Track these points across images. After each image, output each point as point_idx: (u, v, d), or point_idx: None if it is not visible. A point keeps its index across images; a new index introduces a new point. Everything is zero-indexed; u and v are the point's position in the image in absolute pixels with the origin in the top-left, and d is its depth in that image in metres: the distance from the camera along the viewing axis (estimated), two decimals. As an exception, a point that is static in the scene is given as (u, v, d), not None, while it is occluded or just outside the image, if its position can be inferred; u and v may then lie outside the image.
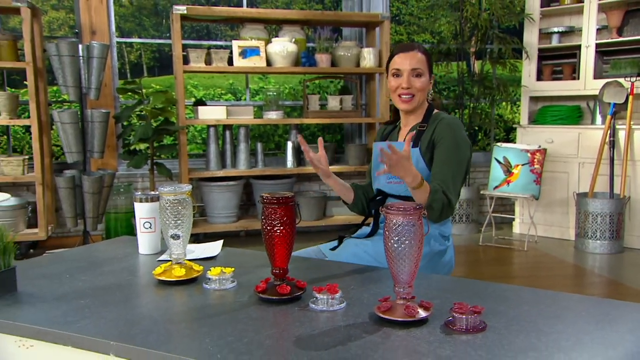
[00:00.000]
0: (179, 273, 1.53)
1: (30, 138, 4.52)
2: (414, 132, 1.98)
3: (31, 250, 4.76)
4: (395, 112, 2.20)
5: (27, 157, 4.63)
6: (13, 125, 5.37)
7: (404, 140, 1.99)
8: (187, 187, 1.55)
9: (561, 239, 5.17)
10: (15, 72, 5.07)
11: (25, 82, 4.45)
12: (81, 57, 4.37)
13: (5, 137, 6.50)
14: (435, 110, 2.08)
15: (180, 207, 1.52)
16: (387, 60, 2.10)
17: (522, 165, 4.93)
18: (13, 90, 5.20)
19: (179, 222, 1.52)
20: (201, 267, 1.60)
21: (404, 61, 1.98)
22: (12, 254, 1.46)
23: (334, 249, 2.02)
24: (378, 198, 2.07)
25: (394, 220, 1.27)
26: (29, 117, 4.44)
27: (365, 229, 2.13)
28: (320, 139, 1.97)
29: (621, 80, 4.77)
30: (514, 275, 4.22)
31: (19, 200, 4.60)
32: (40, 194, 4.47)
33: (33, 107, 4.39)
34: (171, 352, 1.12)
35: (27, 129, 6.06)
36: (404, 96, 2.00)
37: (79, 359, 1.23)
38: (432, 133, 1.99)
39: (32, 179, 4.51)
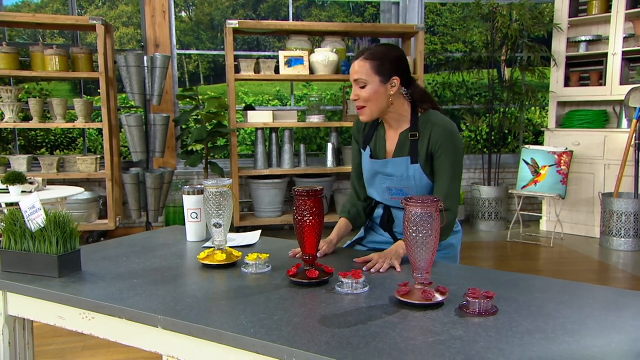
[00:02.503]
0: (220, 257, 1.56)
1: (102, 139, 4.70)
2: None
3: (102, 239, 4.95)
4: None
5: (99, 156, 4.83)
6: (88, 128, 5.59)
7: (394, 151, 1.80)
8: (228, 181, 1.58)
9: (586, 236, 5.00)
10: (90, 81, 5.28)
11: (98, 90, 4.64)
12: (146, 67, 4.51)
13: (81, 138, 6.78)
14: (420, 111, 1.77)
15: (221, 199, 1.55)
16: None
17: (549, 166, 4.79)
18: (88, 97, 5.42)
19: (220, 212, 1.55)
20: (240, 253, 1.64)
21: (351, 72, 1.72)
22: (77, 238, 1.53)
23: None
24: (379, 204, 1.91)
25: (413, 211, 1.27)
26: (101, 120, 4.62)
27: (378, 237, 1.95)
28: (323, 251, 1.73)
29: (647, 85, 4.58)
30: (540, 270, 4.10)
31: (92, 194, 4.80)
32: (110, 189, 4.65)
33: (105, 112, 4.57)
34: (210, 326, 1.15)
35: (100, 131, 6.30)
36: (359, 108, 1.74)
37: (131, 330, 1.28)
38: (428, 142, 1.73)
39: (103, 176, 4.69)
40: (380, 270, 1.55)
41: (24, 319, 1.52)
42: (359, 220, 1.93)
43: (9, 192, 3.27)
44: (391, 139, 1.82)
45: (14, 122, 4.57)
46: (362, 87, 1.69)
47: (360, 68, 1.68)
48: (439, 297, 1.27)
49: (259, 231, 1.94)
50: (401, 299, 1.27)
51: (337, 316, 1.20)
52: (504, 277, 1.48)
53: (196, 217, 1.83)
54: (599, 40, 5.11)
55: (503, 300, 1.27)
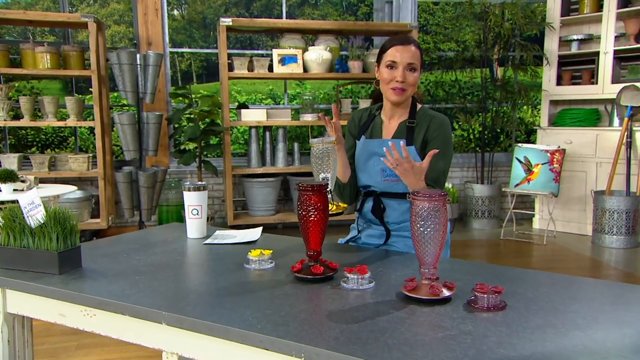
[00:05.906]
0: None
1: (94, 138, 4.65)
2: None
3: (94, 238, 4.89)
4: (374, 99, 2.04)
5: (91, 155, 4.77)
6: (80, 127, 5.52)
7: (392, 137, 1.86)
8: (332, 138, 1.69)
9: (579, 234, 5.03)
10: (82, 79, 5.22)
11: (90, 88, 4.58)
12: (138, 65, 4.47)
13: (72, 137, 6.71)
14: (419, 105, 1.91)
15: (327, 154, 1.67)
16: (379, 50, 1.87)
17: (542, 164, 4.81)
18: (80, 95, 5.36)
19: (326, 167, 1.67)
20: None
21: (400, 54, 1.79)
22: (77, 235, 1.50)
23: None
24: (369, 197, 1.91)
25: (420, 206, 1.26)
26: (93, 119, 4.57)
27: (372, 231, 1.94)
28: (334, 106, 1.84)
29: (638, 84, 4.62)
30: (533, 267, 4.12)
31: (84, 193, 4.74)
32: (102, 188, 4.60)
33: (97, 110, 4.51)
34: (216, 322, 1.13)
35: (92, 130, 6.23)
36: (398, 89, 1.81)
37: (134, 327, 1.25)
38: (425, 132, 1.85)
39: (95, 174, 4.64)
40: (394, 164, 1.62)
41: (23, 316, 1.49)
42: (351, 179, 1.92)
43: (0, 191, 3.21)
44: (388, 129, 1.92)
45: (5, 120, 4.50)
46: (412, 71, 1.81)
47: (414, 54, 1.81)
48: (446, 293, 1.26)
49: (261, 228, 1.93)
50: (408, 294, 1.26)
51: (344, 312, 1.19)
52: (510, 272, 1.48)
53: (197, 214, 1.80)
54: (590, 39, 5.15)
55: (511, 295, 1.27)
